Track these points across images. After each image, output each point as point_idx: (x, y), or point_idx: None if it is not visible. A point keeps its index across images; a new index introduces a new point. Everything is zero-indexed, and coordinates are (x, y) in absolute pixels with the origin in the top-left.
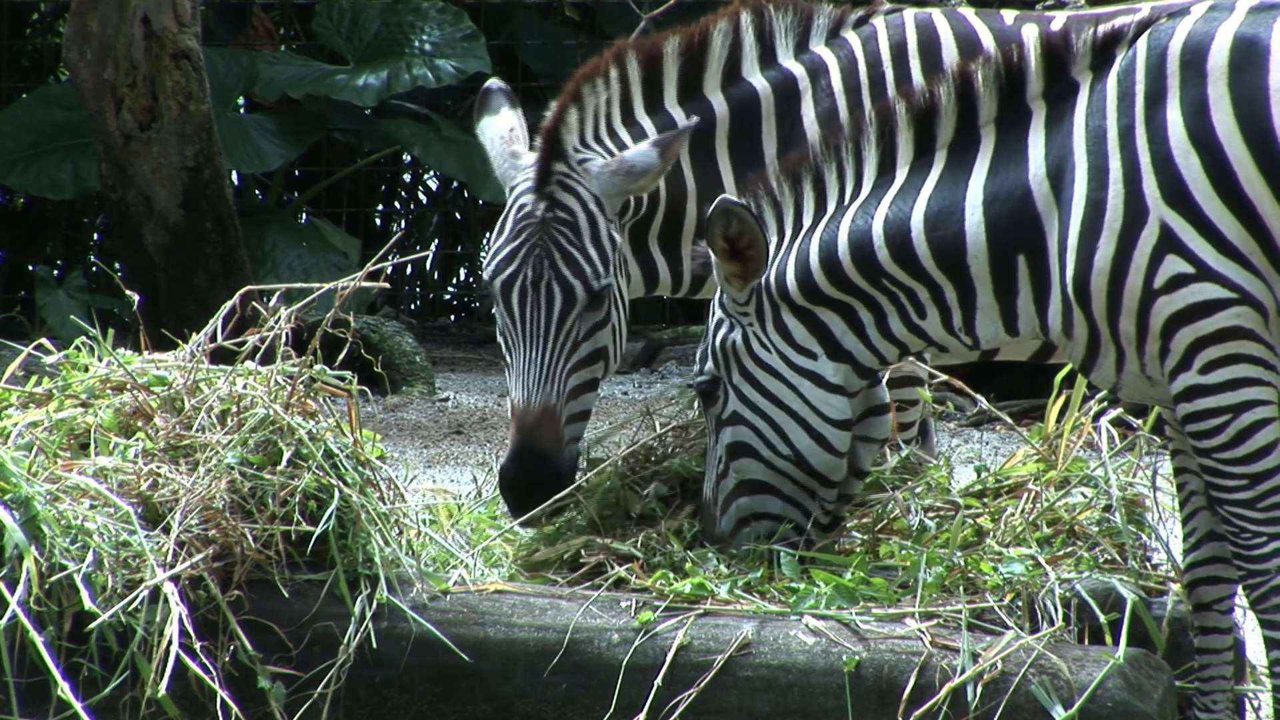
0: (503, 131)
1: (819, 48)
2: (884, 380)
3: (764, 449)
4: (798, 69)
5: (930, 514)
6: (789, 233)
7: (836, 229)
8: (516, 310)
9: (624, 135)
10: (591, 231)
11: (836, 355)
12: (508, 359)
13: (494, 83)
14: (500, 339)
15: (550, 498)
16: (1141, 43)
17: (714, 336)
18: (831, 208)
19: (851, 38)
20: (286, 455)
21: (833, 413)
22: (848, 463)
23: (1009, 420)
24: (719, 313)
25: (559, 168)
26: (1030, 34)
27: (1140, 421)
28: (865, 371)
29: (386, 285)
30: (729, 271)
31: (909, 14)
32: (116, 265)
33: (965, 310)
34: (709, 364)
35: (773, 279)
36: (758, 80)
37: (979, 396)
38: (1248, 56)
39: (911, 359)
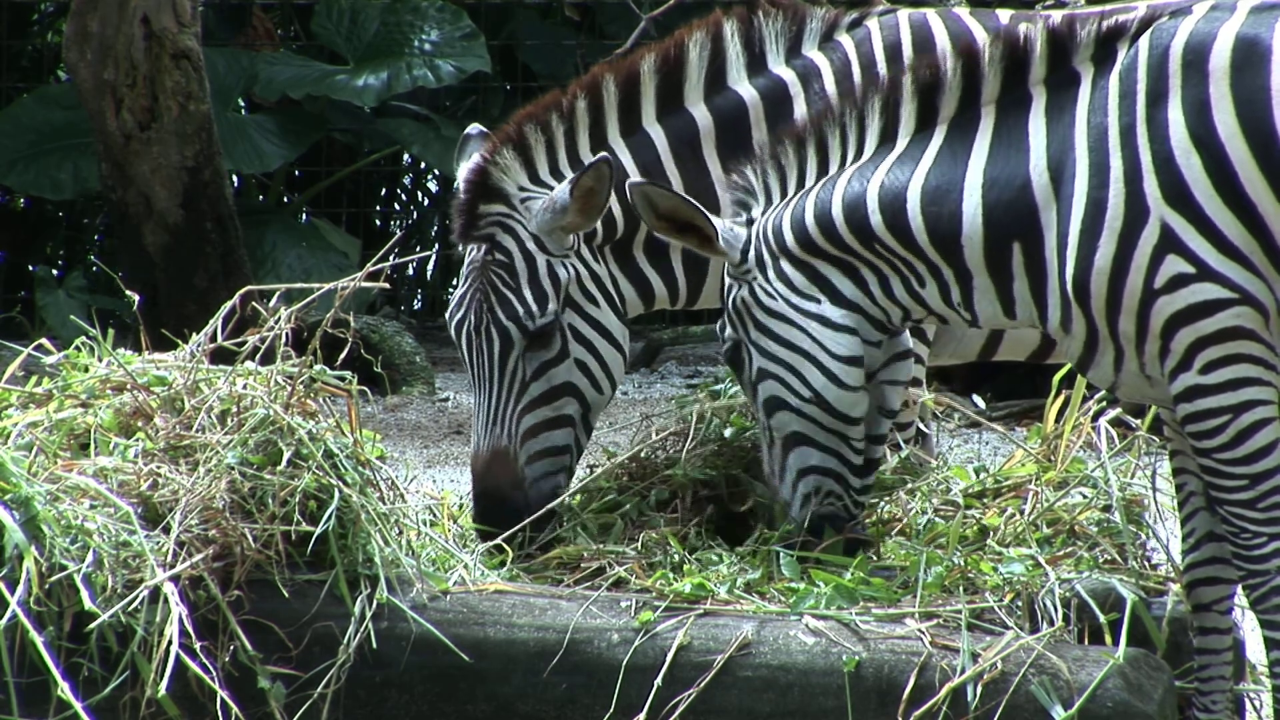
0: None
1: (812, 52)
2: (906, 330)
3: (790, 396)
4: (788, 74)
5: (933, 514)
6: (791, 191)
7: (832, 189)
8: (465, 355)
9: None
10: (529, 271)
11: (841, 303)
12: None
13: (474, 128)
14: (470, 384)
15: (525, 531)
16: (1143, 41)
17: (726, 300)
18: (833, 170)
19: (845, 40)
20: (286, 455)
21: (841, 349)
22: (875, 405)
23: (1000, 429)
24: (727, 280)
25: (494, 209)
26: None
27: (1139, 421)
28: (876, 322)
29: (386, 285)
30: (690, 244)
31: (903, 15)
32: (117, 265)
33: (963, 288)
34: (727, 329)
35: (769, 232)
36: (744, 88)
37: (969, 409)
38: (1249, 57)
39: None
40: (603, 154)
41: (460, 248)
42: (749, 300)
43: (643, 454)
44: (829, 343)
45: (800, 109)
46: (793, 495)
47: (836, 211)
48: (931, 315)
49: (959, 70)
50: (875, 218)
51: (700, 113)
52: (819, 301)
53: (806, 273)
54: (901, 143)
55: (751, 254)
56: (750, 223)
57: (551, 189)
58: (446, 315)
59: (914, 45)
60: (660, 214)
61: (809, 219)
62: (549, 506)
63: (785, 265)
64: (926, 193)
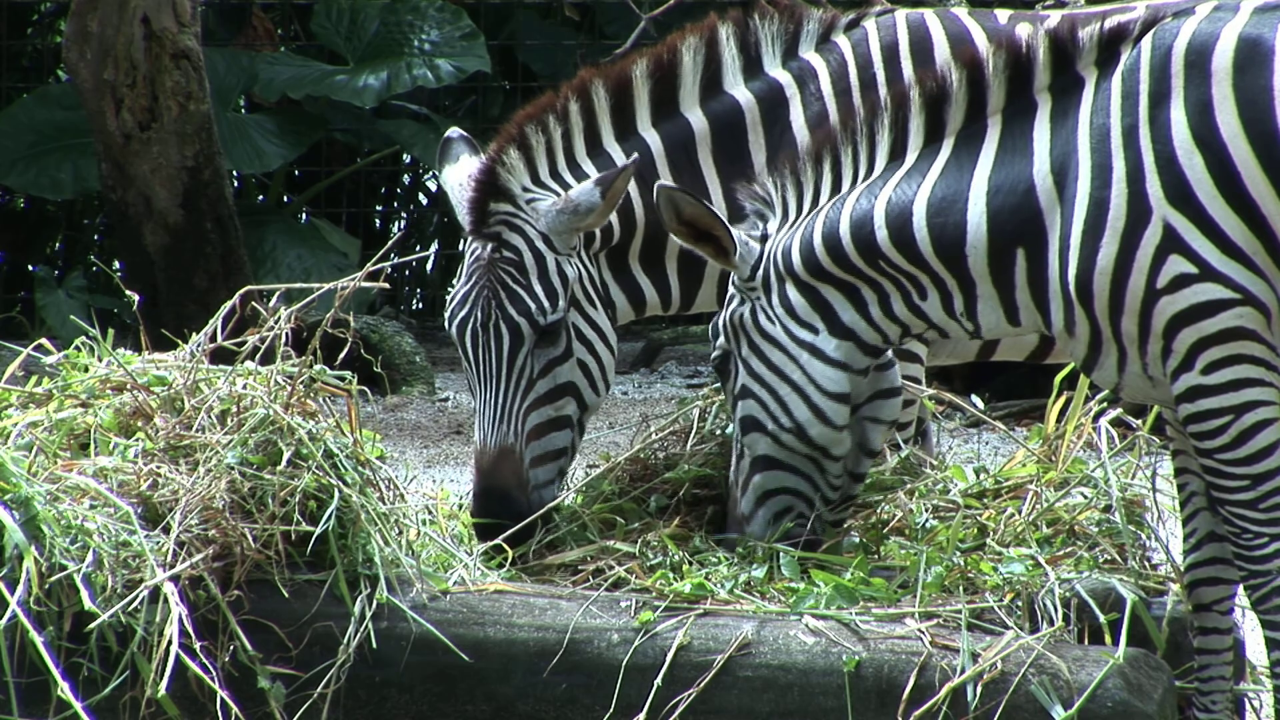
0: (461, 179)
1: (808, 54)
2: (896, 365)
3: (769, 422)
4: (784, 76)
5: (932, 515)
6: (806, 210)
7: (840, 209)
8: (470, 353)
9: (588, 167)
10: (539, 268)
11: (838, 331)
12: (473, 403)
13: (454, 131)
14: (467, 384)
15: (520, 536)
16: (1146, 42)
17: (725, 311)
18: (845, 189)
19: (842, 41)
20: (286, 455)
21: (830, 385)
22: (857, 442)
23: (1002, 427)
24: (730, 289)
25: (502, 208)
26: (1032, 29)
27: (1140, 422)
28: (869, 349)
29: (386, 285)
30: (706, 253)
31: (901, 15)
32: (116, 265)
33: (966, 297)
34: (720, 338)
35: (779, 254)
36: (740, 92)
37: (970, 406)
38: (1252, 57)
39: (910, 363)
40: (635, 156)
41: (468, 244)
42: (747, 319)
43: (643, 454)
44: (819, 377)
45: (796, 111)
46: (753, 511)
47: (844, 230)
48: (932, 329)
49: (964, 82)
50: (881, 233)
51: (696, 117)
52: (816, 332)
53: (809, 297)
54: (910, 157)
55: (760, 273)
56: (765, 237)
57: (554, 191)
58: (446, 314)
59: (911, 46)
60: (683, 219)
61: (817, 240)
62: (542, 511)
63: (789, 289)
64: (932, 204)
